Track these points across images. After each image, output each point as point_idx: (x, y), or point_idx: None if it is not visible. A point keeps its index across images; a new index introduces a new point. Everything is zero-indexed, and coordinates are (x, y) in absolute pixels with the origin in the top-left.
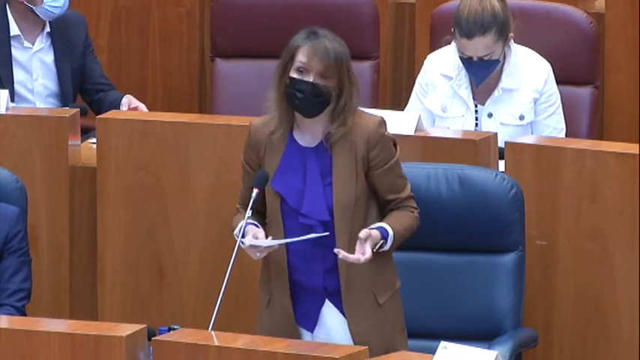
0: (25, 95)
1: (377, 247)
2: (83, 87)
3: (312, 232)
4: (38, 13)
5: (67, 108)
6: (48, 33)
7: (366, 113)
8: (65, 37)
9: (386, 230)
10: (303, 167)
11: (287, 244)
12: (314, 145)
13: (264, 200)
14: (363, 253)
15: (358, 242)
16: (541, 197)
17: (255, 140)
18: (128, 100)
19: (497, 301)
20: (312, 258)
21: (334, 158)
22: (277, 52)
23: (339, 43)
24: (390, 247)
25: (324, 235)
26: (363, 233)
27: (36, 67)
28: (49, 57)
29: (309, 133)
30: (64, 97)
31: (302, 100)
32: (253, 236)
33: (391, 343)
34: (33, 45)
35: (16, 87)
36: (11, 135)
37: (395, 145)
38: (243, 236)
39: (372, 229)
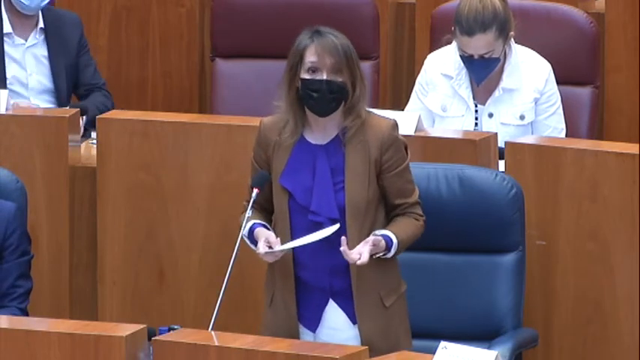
0: (18, 90)
1: (378, 255)
2: (75, 87)
3: (320, 230)
4: (12, 2)
5: (67, 108)
6: (41, 29)
7: (378, 115)
8: (59, 35)
9: (391, 240)
10: (313, 165)
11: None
12: (324, 142)
13: (272, 197)
14: (360, 255)
15: (362, 243)
16: (541, 197)
17: (265, 138)
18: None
19: (498, 301)
20: (320, 255)
21: (347, 158)
22: (277, 52)
23: (344, 38)
24: (393, 255)
25: (336, 230)
26: (372, 238)
27: (30, 62)
28: (43, 52)
29: (320, 132)
30: (58, 94)
31: (318, 99)
32: (265, 241)
33: (396, 346)
34: (26, 41)
35: (11, 82)
36: (11, 135)
37: (406, 149)
38: (252, 240)
39: (380, 235)
